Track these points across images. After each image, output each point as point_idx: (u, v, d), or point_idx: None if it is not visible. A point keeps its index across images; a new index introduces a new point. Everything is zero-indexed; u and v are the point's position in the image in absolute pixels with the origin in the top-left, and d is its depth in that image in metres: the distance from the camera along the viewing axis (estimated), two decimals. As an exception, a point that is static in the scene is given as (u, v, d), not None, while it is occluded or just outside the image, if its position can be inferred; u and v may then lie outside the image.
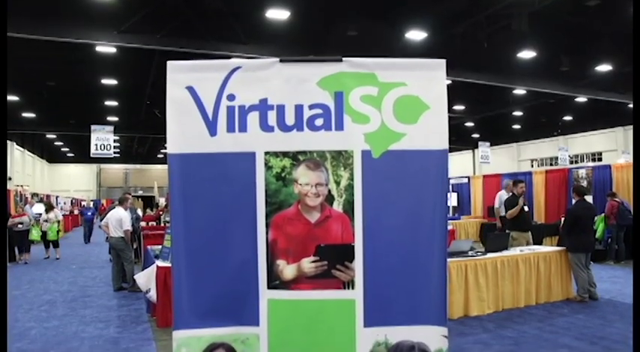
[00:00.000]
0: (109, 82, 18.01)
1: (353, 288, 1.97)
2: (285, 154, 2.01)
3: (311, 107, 2.06)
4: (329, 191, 2.00)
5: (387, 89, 2.08)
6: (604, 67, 16.27)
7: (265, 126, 2.04)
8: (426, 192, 2.00)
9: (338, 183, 2.00)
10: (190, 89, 2.07)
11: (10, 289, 9.23)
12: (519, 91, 19.54)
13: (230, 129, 2.03)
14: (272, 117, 2.05)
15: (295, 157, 2.01)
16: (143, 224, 12.26)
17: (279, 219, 2.00)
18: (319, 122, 2.05)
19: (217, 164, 2.01)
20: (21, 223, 13.15)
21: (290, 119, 2.05)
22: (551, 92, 18.29)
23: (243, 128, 2.03)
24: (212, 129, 2.03)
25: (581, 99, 20.59)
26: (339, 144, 2.02)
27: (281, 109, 2.05)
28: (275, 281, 1.98)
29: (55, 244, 13.60)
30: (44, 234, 13.48)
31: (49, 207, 14.30)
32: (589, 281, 7.35)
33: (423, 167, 2.01)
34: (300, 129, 2.03)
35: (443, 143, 2.04)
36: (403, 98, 2.08)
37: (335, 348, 1.97)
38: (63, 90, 19.49)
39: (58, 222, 13.93)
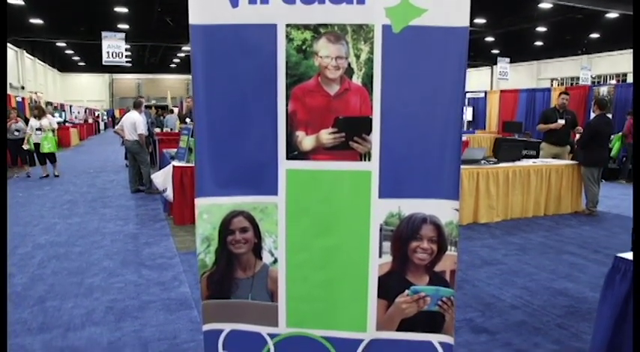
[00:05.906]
0: (118, -15, 17.44)
1: (369, 160, 2.01)
2: (306, 27, 1.98)
3: None
4: (349, 64, 1.99)
5: None
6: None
7: None
8: (445, 68, 1.99)
9: (358, 57, 1.98)
10: None
11: (32, 190, 9.59)
12: (545, 5, 18.55)
13: (252, 0, 2.00)
14: None
15: (316, 30, 1.98)
16: (157, 130, 12.38)
17: (299, 91, 2.00)
18: (341, -5, 2.00)
19: (239, 35, 1.99)
20: (17, 130, 11.13)
21: None
22: (580, 6, 17.33)
23: (264, 0, 2.00)
24: (234, 0, 1.99)
25: (613, 14, 19.54)
26: (360, 17, 1.97)
27: None
28: (294, 152, 2.02)
29: (52, 158, 11.28)
30: (37, 147, 10.95)
31: (40, 113, 11.34)
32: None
33: (443, 43, 1.98)
34: (321, 2, 1.98)
35: (464, 20, 1.99)
36: None
37: (350, 218, 2.06)
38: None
39: (53, 131, 11.28)
